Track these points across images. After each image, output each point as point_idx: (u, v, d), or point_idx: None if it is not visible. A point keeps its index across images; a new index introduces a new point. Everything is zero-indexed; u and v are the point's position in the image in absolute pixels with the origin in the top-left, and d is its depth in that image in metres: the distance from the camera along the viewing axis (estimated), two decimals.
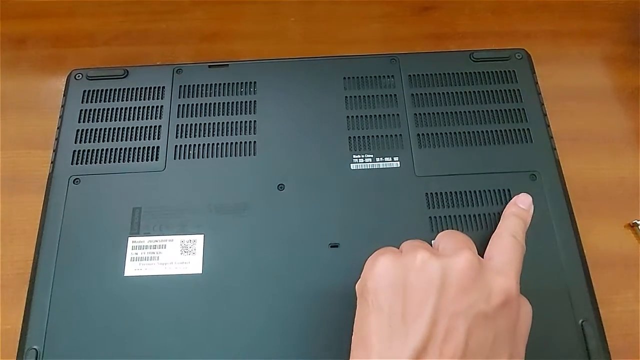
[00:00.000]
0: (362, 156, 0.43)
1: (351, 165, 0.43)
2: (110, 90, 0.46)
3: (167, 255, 0.39)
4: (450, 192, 0.41)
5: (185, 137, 0.44)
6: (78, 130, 0.44)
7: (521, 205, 0.39)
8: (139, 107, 0.45)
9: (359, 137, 0.44)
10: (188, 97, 0.46)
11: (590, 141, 0.49)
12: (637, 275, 0.43)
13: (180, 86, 0.46)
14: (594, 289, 0.39)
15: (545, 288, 0.38)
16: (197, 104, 0.46)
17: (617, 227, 0.45)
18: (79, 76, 0.47)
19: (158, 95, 0.46)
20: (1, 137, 0.49)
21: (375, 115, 0.45)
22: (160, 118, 0.45)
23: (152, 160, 0.43)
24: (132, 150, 0.44)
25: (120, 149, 0.44)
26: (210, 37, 0.55)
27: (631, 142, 0.49)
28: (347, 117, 0.45)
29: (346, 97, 0.46)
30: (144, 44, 0.54)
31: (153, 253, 0.39)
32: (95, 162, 0.43)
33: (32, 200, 0.43)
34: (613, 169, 0.47)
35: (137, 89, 0.46)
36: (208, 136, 0.44)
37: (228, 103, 0.46)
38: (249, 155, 0.43)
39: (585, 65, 0.53)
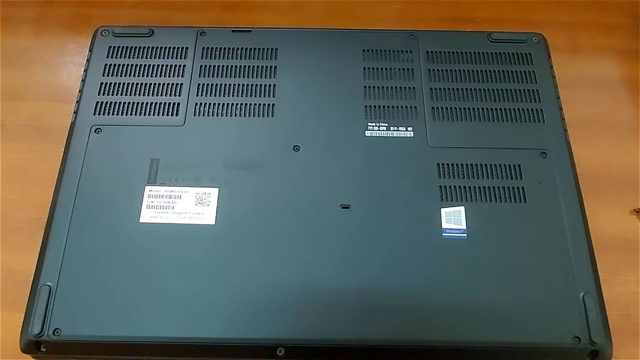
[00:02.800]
0: (377, 124, 0.44)
1: (366, 132, 0.44)
2: (135, 47, 0.47)
3: (182, 206, 0.40)
4: (461, 164, 0.42)
5: (206, 95, 0.45)
6: (102, 83, 0.46)
7: None
8: (162, 65, 0.46)
9: (374, 106, 0.45)
10: (210, 58, 0.47)
11: (600, 129, 0.50)
12: (639, 259, 0.44)
13: (204, 48, 0.47)
14: (597, 265, 0.40)
15: (550, 262, 0.39)
16: (218, 66, 0.47)
17: (622, 213, 0.46)
18: (105, 32, 0.48)
19: (181, 55, 0.47)
20: (26, 89, 0.51)
21: (391, 87, 0.46)
22: (182, 76, 0.46)
23: (172, 115, 0.44)
24: (153, 104, 0.45)
25: (142, 103, 0.45)
26: (233, 6, 0.56)
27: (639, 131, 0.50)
28: (364, 87, 0.46)
29: (364, 68, 0.47)
30: (169, 9, 0.56)
31: (169, 202, 0.40)
32: (117, 114, 0.44)
33: (53, 150, 0.45)
34: (620, 157, 0.48)
35: (161, 47, 0.47)
36: (228, 96, 0.45)
37: (249, 67, 0.47)
38: (267, 116, 0.44)
39: (598, 56, 0.54)
